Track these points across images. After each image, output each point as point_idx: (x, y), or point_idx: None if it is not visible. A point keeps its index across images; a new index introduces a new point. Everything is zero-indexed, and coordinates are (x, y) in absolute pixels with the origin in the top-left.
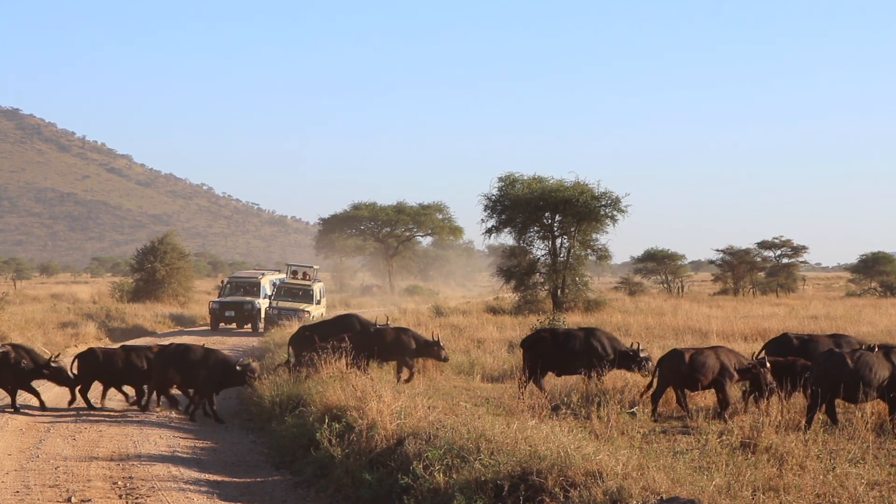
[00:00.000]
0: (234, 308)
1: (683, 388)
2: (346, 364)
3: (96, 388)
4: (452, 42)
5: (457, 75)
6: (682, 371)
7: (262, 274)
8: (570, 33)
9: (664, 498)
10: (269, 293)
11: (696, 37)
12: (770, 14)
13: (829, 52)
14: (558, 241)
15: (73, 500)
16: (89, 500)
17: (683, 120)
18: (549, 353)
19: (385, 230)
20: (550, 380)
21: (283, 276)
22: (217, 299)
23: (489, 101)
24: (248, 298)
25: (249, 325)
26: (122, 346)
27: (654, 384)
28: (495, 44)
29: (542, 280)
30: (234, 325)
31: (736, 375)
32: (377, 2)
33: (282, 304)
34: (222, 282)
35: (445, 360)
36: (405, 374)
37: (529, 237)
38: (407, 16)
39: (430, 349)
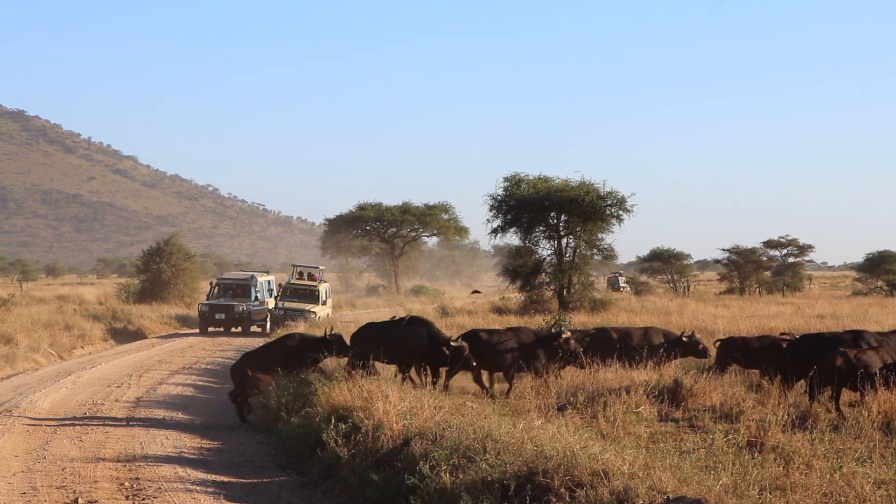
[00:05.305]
0: (224, 310)
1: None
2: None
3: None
4: (457, 42)
5: (462, 75)
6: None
7: (251, 275)
8: (576, 32)
9: (671, 497)
10: (258, 295)
11: (702, 36)
12: (775, 13)
13: (834, 49)
14: (564, 240)
15: (79, 501)
16: (96, 502)
17: (689, 119)
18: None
19: (391, 230)
20: (557, 380)
21: (271, 277)
22: (206, 301)
23: (494, 102)
24: (239, 301)
25: (240, 328)
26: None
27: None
28: (501, 44)
29: (548, 280)
30: (221, 328)
31: None
32: (381, 2)
33: (287, 304)
34: (211, 284)
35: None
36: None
37: (535, 237)
38: (413, 15)
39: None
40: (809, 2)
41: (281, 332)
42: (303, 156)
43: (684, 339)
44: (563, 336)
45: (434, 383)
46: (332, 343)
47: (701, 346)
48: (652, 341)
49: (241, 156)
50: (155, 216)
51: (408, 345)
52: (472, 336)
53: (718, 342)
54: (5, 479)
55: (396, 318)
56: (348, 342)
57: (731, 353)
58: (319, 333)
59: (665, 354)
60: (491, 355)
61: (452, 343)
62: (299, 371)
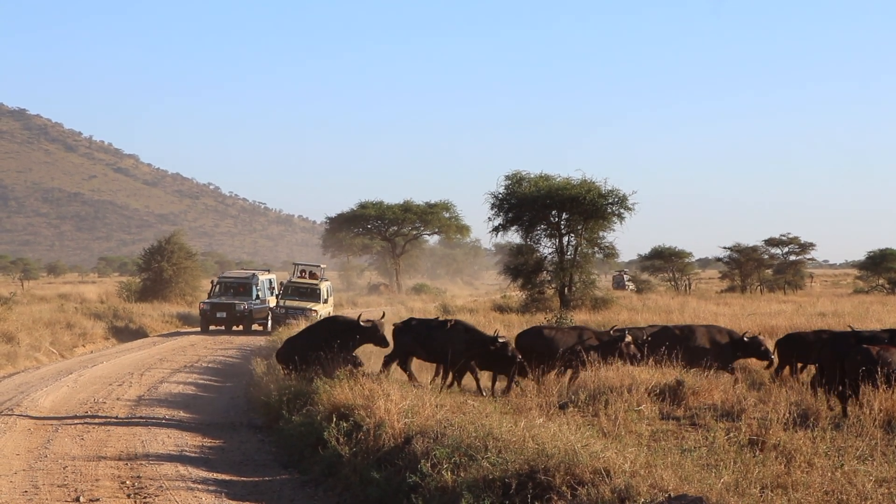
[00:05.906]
0: (225, 309)
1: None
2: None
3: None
4: (458, 42)
5: (462, 75)
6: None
7: (252, 274)
8: (575, 32)
9: (672, 495)
10: (259, 293)
11: (702, 36)
12: (775, 13)
13: (834, 49)
14: (565, 239)
15: (81, 499)
16: (98, 500)
17: (689, 118)
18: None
19: (392, 229)
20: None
21: (272, 275)
22: (208, 300)
23: (494, 101)
24: (240, 299)
25: (241, 326)
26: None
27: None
28: (501, 43)
29: (550, 278)
30: (223, 327)
31: None
32: (382, 2)
33: (289, 302)
34: (212, 282)
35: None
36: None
37: (536, 235)
38: (413, 15)
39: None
40: (809, 2)
41: (282, 331)
42: (304, 154)
43: (746, 339)
44: (626, 340)
45: (506, 390)
46: (365, 329)
47: (763, 348)
48: (716, 340)
49: (243, 154)
50: (156, 215)
51: (443, 349)
52: (534, 333)
53: (777, 342)
54: (7, 477)
55: (441, 320)
56: (389, 335)
57: (790, 351)
58: None
59: (727, 355)
60: (551, 353)
61: (500, 340)
62: (344, 353)
